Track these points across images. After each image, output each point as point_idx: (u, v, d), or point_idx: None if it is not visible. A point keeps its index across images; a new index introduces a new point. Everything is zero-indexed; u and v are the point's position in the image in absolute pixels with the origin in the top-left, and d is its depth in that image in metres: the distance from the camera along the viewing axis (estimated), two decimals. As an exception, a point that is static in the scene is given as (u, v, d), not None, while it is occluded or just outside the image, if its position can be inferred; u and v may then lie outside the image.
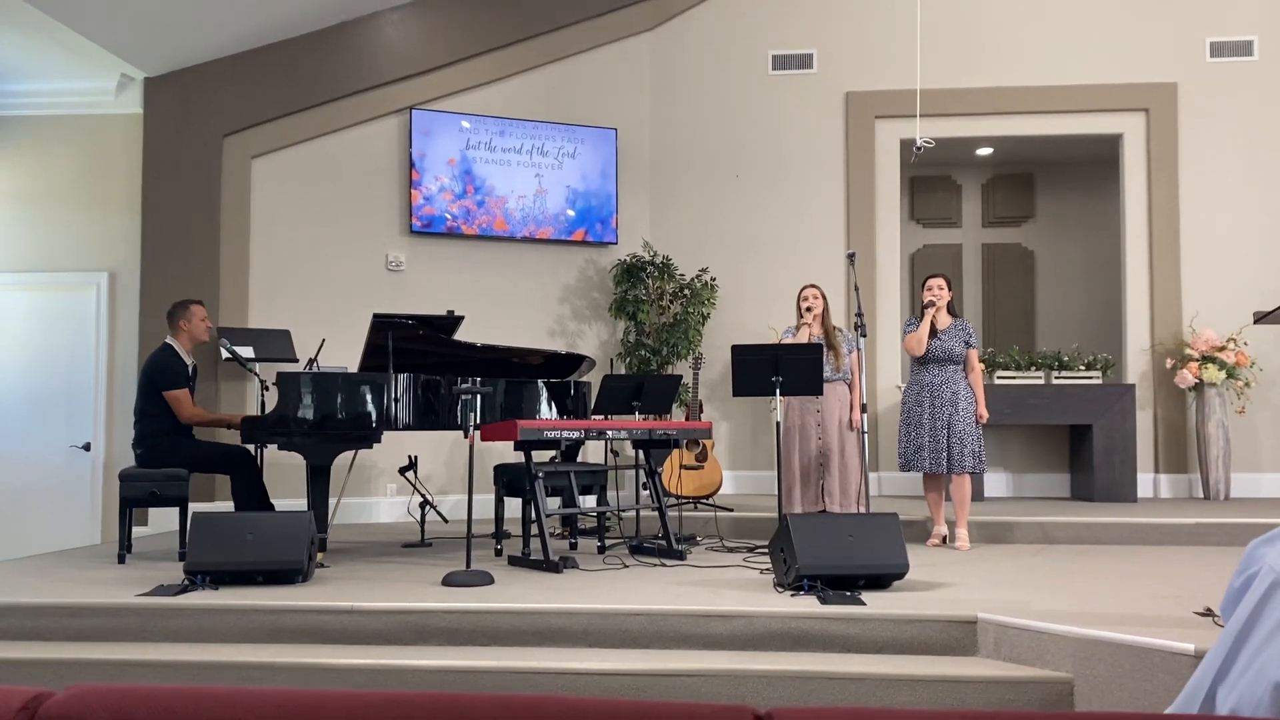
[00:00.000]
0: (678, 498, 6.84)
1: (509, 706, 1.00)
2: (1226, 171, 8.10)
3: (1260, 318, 5.36)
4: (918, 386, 5.95)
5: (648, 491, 5.92)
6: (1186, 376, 7.64)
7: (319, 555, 5.04)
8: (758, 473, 8.25)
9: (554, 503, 6.11)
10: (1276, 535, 0.89)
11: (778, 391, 5.54)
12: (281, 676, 3.74)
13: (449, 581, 4.57)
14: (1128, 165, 8.25)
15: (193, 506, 5.43)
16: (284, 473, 6.78)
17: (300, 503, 5.53)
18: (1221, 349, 7.63)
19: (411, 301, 7.45)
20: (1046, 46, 8.28)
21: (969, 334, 5.94)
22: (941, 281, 6.02)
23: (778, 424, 5.68)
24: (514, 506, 6.10)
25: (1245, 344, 7.66)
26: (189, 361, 5.81)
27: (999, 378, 7.78)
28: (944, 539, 5.97)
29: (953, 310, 6.06)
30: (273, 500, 5.80)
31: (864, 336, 5.87)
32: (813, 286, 6.33)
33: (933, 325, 5.93)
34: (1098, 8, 8.27)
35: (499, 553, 5.70)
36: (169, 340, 5.79)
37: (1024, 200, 9.72)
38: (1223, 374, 7.57)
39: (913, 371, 6.06)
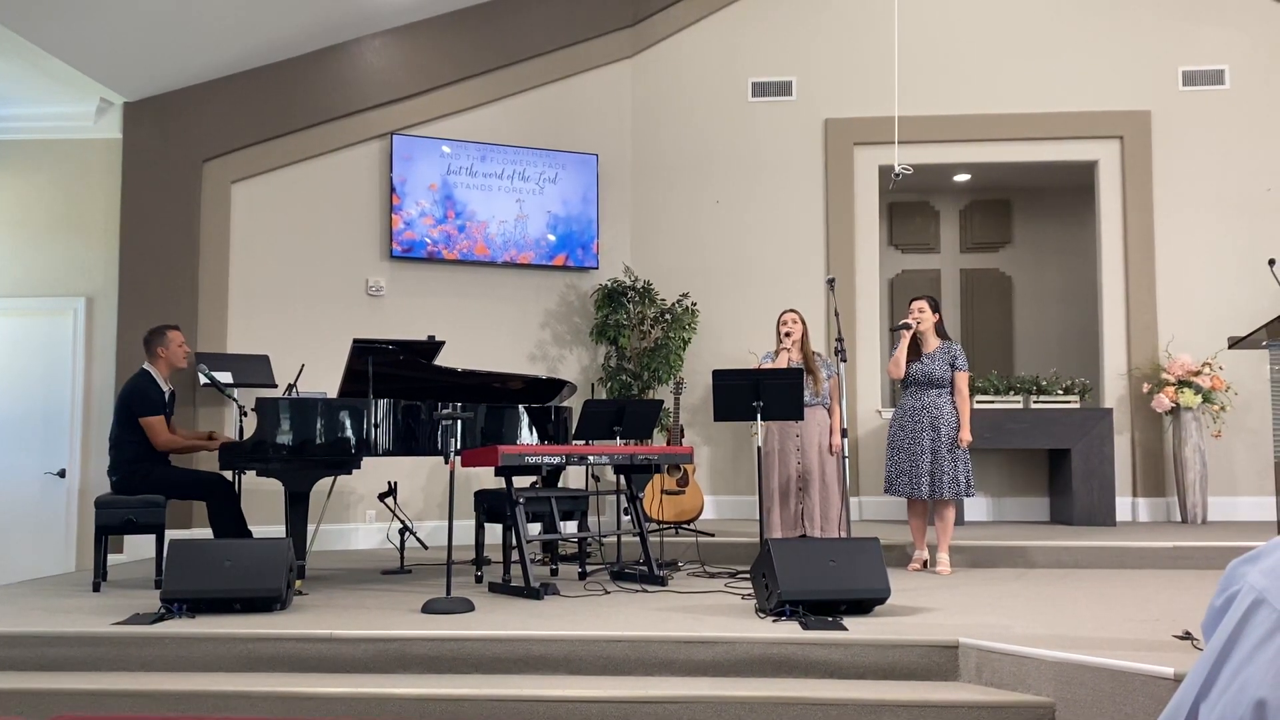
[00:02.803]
0: (659, 523, 6.83)
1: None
2: (1200, 198, 8.21)
3: (1235, 342, 5.43)
4: (901, 410, 5.96)
5: (629, 517, 5.91)
6: (1163, 401, 7.71)
7: (297, 583, 5.00)
8: (739, 497, 8.25)
9: (535, 529, 6.09)
10: (1257, 554, 0.90)
11: (759, 416, 5.56)
12: (260, 705, 3.69)
13: (429, 609, 4.54)
14: (1103, 192, 8.35)
15: (169, 533, 5.37)
16: (262, 499, 6.73)
17: (278, 529, 5.49)
18: (1197, 373, 7.70)
19: (392, 326, 7.43)
20: (1023, 74, 8.39)
21: (955, 357, 5.91)
22: (922, 304, 6.01)
23: (759, 448, 5.69)
24: (494, 533, 6.07)
25: (1221, 368, 7.74)
26: (166, 388, 5.76)
27: (978, 402, 7.81)
28: (925, 564, 5.97)
29: (942, 333, 6.06)
30: (251, 527, 5.75)
31: (844, 361, 5.89)
32: (792, 311, 6.34)
33: (918, 348, 5.95)
34: (1073, 37, 8.39)
35: (479, 579, 5.66)
36: (146, 367, 5.75)
37: (1001, 226, 9.82)
38: (1199, 398, 7.64)
39: (899, 395, 6.08)
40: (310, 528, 5.60)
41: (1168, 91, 8.31)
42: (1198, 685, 0.87)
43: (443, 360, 5.77)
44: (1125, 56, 8.35)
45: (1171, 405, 7.71)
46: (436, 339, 5.71)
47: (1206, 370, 7.72)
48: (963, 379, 5.91)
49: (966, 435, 5.83)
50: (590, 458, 5.55)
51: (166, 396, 5.76)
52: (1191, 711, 0.87)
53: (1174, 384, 7.72)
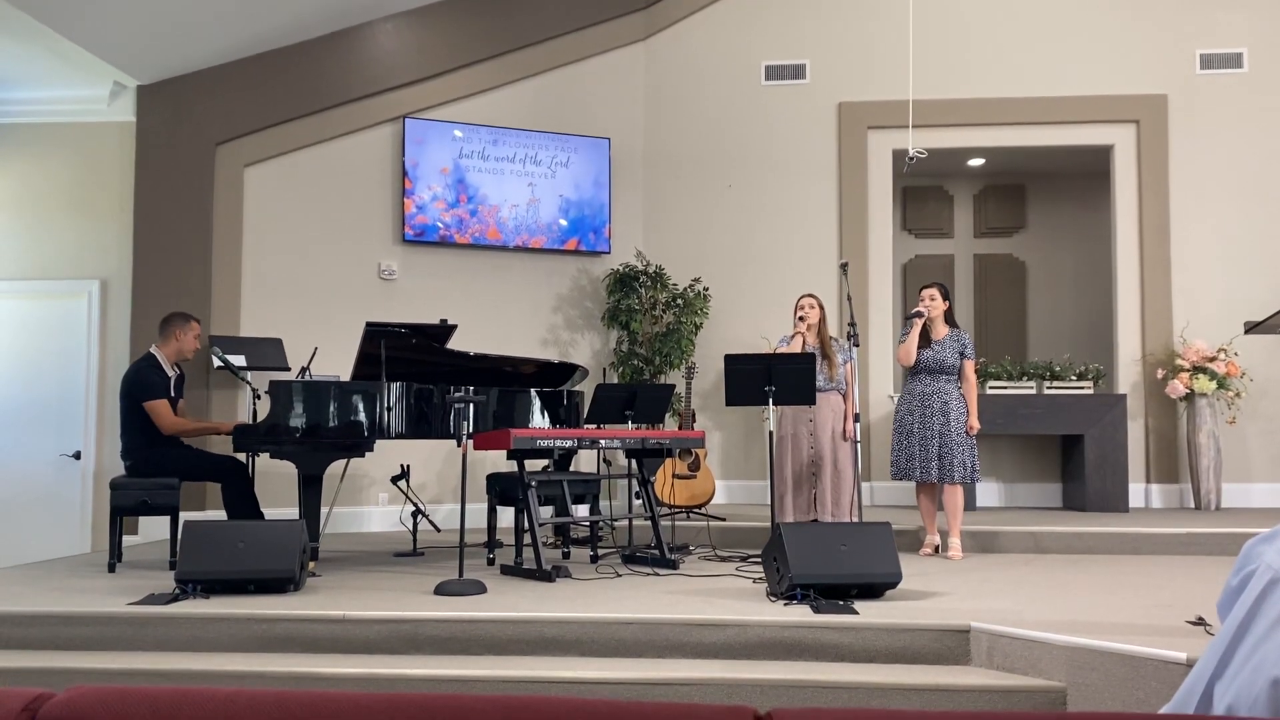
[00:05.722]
0: (670, 507, 6.84)
1: (509, 707, 1.00)
2: (1216, 182, 8.15)
3: (1251, 327, 5.39)
4: (910, 396, 5.95)
5: (640, 501, 5.92)
6: (1177, 387, 7.67)
7: (311, 564, 5.02)
8: (750, 482, 8.25)
9: (547, 512, 6.11)
10: (1274, 534, 0.89)
11: (770, 401, 5.55)
12: (273, 685, 3.72)
13: (441, 590, 4.56)
14: (1118, 176, 8.29)
15: (183, 515, 5.40)
16: (276, 482, 6.76)
17: (292, 512, 5.52)
18: (1212, 359, 7.66)
19: (404, 310, 7.44)
20: (1038, 58, 8.33)
21: (964, 344, 5.92)
22: (934, 291, 6.01)
23: (770, 433, 5.68)
24: (506, 516, 6.09)
25: (1236, 354, 7.69)
26: (170, 373, 5.77)
27: (991, 388, 7.80)
28: (936, 548, 5.97)
29: (951, 320, 6.05)
30: (264, 509, 5.78)
31: (857, 346, 5.89)
32: (809, 296, 6.32)
33: (928, 335, 5.94)
34: (1089, 20, 8.32)
35: (491, 562, 5.69)
36: (153, 349, 5.76)
37: (1015, 211, 9.76)
38: (1213, 384, 7.60)
39: (906, 381, 6.07)
40: (323, 510, 5.62)
41: (1185, 75, 8.24)
42: (1213, 664, 0.86)
43: (455, 344, 5.78)
44: (1142, 39, 8.27)
45: (1186, 391, 7.67)
46: (449, 323, 5.72)
47: (1221, 356, 7.67)
48: (970, 366, 5.92)
49: (975, 422, 5.85)
50: (602, 442, 5.56)
51: (171, 380, 5.76)
52: (1206, 691, 0.87)
53: (1188, 370, 7.68)
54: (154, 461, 5.56)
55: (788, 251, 8.38)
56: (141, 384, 5.60)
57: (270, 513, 5.85)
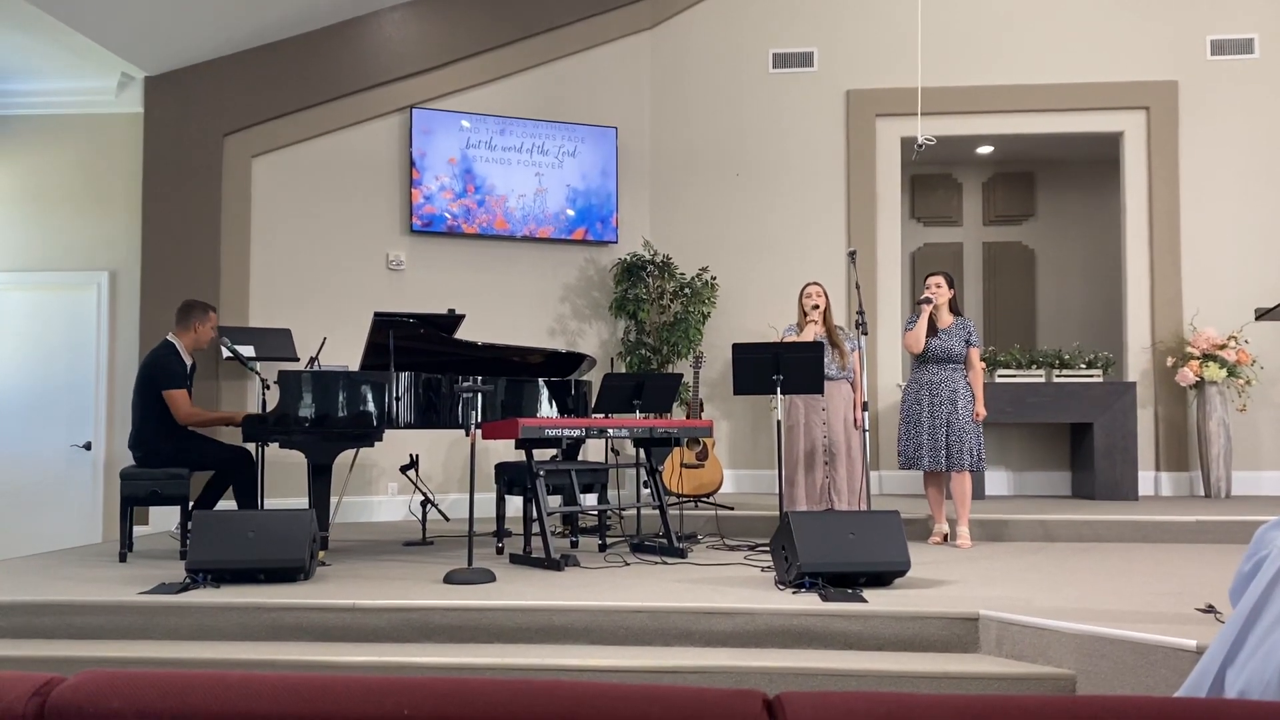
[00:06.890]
0: (678, 496, 6.85)
1: (515, 690, 1.00)
2: (1227, 169, 8.10)
3: (1262, 314, 5.36)
4: (917, 385, 5.95)
5: (648, 490, 5.92)
6: (1187, 374, 7.64)
7: (320, 553, 5.04)
8: (758, 471, 8.24)
9: (555, 501, 6.11)
10: (1285, 519, 0.89)
11: (778, 390, 5.55)
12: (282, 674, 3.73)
13: (451, 579, 4.57)
14: (1128, 163, 8.25)
15: (193, 505, 5.43)
16: (285, 472, 6.78)
17: (301, 501, 5.53)
18: (1222, 347, 7.62)
19: (412, 300, 7.45)
20: (1047, 44, 8.28)
21: (970, 333, 5.92)
22: (940, 280, 6.00)
23: (778, 422, 5.68)
24: (515, 505, 6.10)
25: (1246, 342, 7.66)
26: (188, 361, 5.79)
27: (1000, 376, 7.78)
28: (945, 537, 5.97)
29: (955, 309, 6.05)
30: (275, 499, 5.79)
31: (865, 335, 5.87)
32: (815, 284, 6.31)
33: (933, 324, 5.93)
34: (1098, 6, 8.27)
35: (500, 551, 5.70)
36: (170, 337, 5.76)
37: (1025, 198, 9.72)
38: (1224, 372, 7.57)
39: (913, 370, 6.06)
40: (333, 500, 5.63)
41: (1195, 61, 8.18)
42: (1224, 650, 0.86)
43: (463, 334, 5.78)
44: (1152, 25, 8.22)
45: (1196, 379, 7.64)
46: (457, 312, 5.72)
47: (1232, 344, 7.64)
48: (976, 354, 5.92)
49: (982, 410, 5.85)
50: (610, 431, 5.56)
51: (188, 369, 5.78)
52: (1218, 677, 0.86)
53: (1199, 358, 7.65)
54: (163, 451, 5.58)
55: (795, 240, 8.36)
56: (164, 371, 5.61)
57: (280, 503, 5.87)
